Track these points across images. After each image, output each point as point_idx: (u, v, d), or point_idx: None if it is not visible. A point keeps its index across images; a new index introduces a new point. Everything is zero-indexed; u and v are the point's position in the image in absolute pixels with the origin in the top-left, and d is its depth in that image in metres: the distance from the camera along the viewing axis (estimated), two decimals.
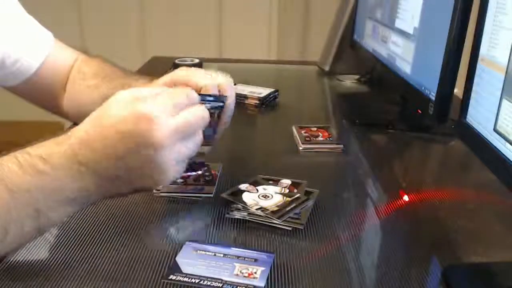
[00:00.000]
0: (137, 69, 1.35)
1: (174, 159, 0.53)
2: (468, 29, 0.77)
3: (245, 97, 1.15)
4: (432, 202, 0.75)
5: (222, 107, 0.64)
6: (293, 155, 0.89)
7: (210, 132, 0.63)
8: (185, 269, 0.53)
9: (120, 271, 0.54)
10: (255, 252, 0.57)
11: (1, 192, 0.49)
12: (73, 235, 0.60)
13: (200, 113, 0.56)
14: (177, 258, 0.55)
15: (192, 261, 0.55)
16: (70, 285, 0.51)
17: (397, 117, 1.09)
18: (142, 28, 2.50)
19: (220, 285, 0.51)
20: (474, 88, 0.64)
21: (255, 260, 0.55)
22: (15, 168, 0.50)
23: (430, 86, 0.86)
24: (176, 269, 0.53)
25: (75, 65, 0.84)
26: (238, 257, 0.56)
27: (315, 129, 0.97)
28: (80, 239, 0.59)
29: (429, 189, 0.80)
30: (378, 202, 0.76)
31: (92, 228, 0.62)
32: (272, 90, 1.19)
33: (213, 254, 0.56)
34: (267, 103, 1.16)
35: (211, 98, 0.63)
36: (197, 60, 1.39)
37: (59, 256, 0.56)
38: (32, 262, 0.55)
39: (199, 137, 0.57)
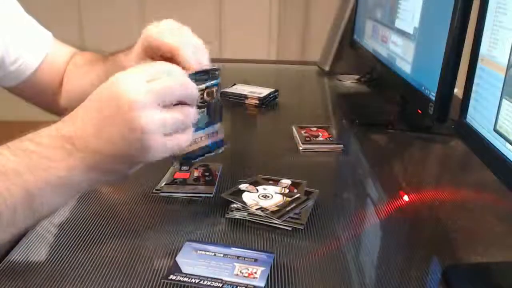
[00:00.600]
0: None
1: (156, 123, 0.50)
2: (468, 29, 0.77)
3: (245, 97, 1.15)
4: (432, 202, 0.75)
5: (218, 83, 0.60)
6: (293, 155, 0.89)
7: (214, 122, 0.62)
8: (185, 269, 0.53)
9: (120, 271, 0.54)
10: (255, 252, 0.57)
11: None
12: (73, 235, 0.60)
13: (179, 80, 0.54)
14: (177, 258, 0.55)
15: (192, 261, 0.55)
16: (70, 285, 0.51)
17: (397, 117, 1.09)
18: (142, 28, 2.50)
19: (220, 285, 0.51)
20: (474, 88, 0.64)
21: (255, 260, 0.55)
22: (4, 151, 0.50)
23: (430, 86, 0.86)
24: (176, 269, 0.53)
25: (71, 61, 0.84)
26: (238, 257, 0.56)
27: (315, 129, 0.97)
28: (80, 239, 0.59)
29: (429, 189, 0.80)
30: (378, 202, 0.76)
31: (92, 228, 0.62)
32: (272, 90, 1.20)
33: (213, 254, 0.56)
34: (267, 103, 1.16)
35: (204, 76, 0.59)
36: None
37: (59, 256, 0.56)
38: (32, 262, 0.55)
39: (188, 109, 0.54)
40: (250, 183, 0.71)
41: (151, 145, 0.51)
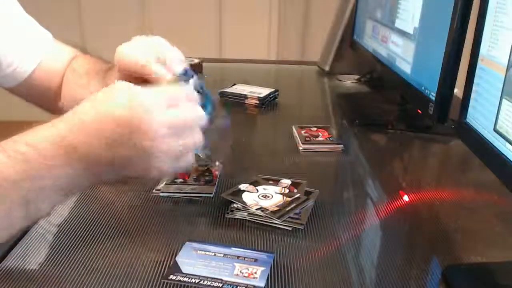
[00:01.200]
0: None
1: (165, 152, 0.52)
2: (468, 29, 0.77)
3: (245, 97, 1.15)
4: (432, 202, 0.75)
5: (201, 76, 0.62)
6: (293, 155, 0.89)
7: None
8: (185, 269, 0.53)
9: (120, 271, 0.54)
10: (255, 252, 0.57)
11: None
12: (72, 235, 0.60)
13: (197, 109, 0.56)
14: (177, 258, 0.55)
15: (192, 261, 0.55)
16: (70, 285, 0.51)
17: (397, 117, 1.09)
18: (142, 28, 2.50)
19: (220, 285, 0.51)
20: (474, 88, 0.64)
21: (255, 260, 0.55)
22: (0, 155, 0.49)
23: (430, 86, 0.86)
24: (176, 269, 0.53)
25: (71, 64, 0.84)
26: (238, 257, 0.56)
27: (315, 129, 0.97)
28: (80, 239, 0.59)
29: (429, 189, 0.80)
30: (378, 202, 0.76)
31: (92, 228, 0.62)
32: (272, 90, 1.19)
33: (213, 254, 0.56)
34: (267, 103, 1.16)
35: (188, 75, 0.60)
36: (197, 60, 1.39)
37: (59, 256, 0.56)
38: (32, 262, 0.55)
39: (197, 134, 0.56)
40: (250, 183, 0.71)
41: (156, 170, 0.53)
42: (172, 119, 0.53)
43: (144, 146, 0.51)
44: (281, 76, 1.62)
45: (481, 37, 0.63)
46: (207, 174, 0.75)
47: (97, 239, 0.60)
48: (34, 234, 0.60)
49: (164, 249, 0.58)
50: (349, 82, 1.41)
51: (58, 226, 0.61)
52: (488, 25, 0.61)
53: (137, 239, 0.60)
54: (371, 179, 0.85)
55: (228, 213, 0.65)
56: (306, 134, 0.94)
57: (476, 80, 0.64)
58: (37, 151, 0.49)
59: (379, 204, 0.75)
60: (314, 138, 0.93)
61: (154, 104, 0.52)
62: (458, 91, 0.78)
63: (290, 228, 0.62)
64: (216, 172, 0.76)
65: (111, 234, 0.61)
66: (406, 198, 0.76)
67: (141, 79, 0.60)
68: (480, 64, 0.63)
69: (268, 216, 0.63)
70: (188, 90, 0.57)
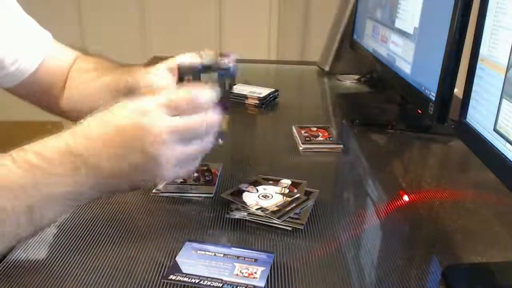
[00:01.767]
0: None
1: (174, 157, 0.53)
2: (468, 29, 0.77)
3: (245, 97, 1.15)
4: (432, 202, 0.75)
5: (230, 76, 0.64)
6: (293, 155, 0.89)
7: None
8: (185, 269, 0.53)
9: (120, 271, 0.54)
10: (255, 252, 0.57)
11: None
12: (72, 235, 0.60)
13: (208, 118, 0.55)
14: (177, 258, 0.55)
15: (192, 261, 0.55)
16: (70, 285, 0.51)
17: (397, 117, 1.09)
18: (142, 28, 2.50)
19: (220, 285, 0.51)
20: (474, 88, 0.64)
21: (255, 260, 0.55)
22: (8, 163, 0.49)
23: (430, 86, 0.86)
24: (176, 269, 0.53)
25: (75, 64, 0.84)
26: (238, 257, 0.56)
27: (315, 129, 0.97)
28: (80, 239, 0.59)
29: (429, 189, 0.80)
30: (378, 202, 0.76)
31: (92, 228, 0.62)
32: (272, 90, 1.20)
33: (213, 254, 0.56)
34: (267, 103, 1.16)
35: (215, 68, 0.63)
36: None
37: (59, 256, 0.56)
38: (32, 262, 0.55)
39: (205, 141, 0.56)
40: (250, 183, 0.71)
41: (163, 176, 0.54)
42: (174, 123, 0.53)
43: (147, 151, 0.51)
44: (281, 76, 1.62)
45: (481, 37, 0.63)
46: (207, 174, 0.75)
47: (97, 239, 0.60)
48: None
49: (164, 249, 0.58)
50: (349, 82, 1.41)
51: (58, 226, 0.61)
52: (488, 25, 0.61)
53: (137, 239, 0.60)
54: (371, 179, 0.85)
55: (228, 213, 0.65)
56: (306, 134, 0.94)
57: (476, 80, 0.64)
58: (45, 161, 0.50)
59: (379, 204, 0.75)
60: (314, 138, 0.93)
61: (154, 110, 0.52)
62: (458, 91, 0.78)
63: (290, 228, 0.62)
64: (216, 172, 0.76)
65: (111, 234, 0.61)
66: (406, 198, 0.76)
67: None
68: (480, 64, 0.63)
69: (268, 216, 0.63)
70: (195, 94, 0.55)
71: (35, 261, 0.55)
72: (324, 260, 0.58)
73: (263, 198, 0.68)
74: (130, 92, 0.73)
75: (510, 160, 0.54)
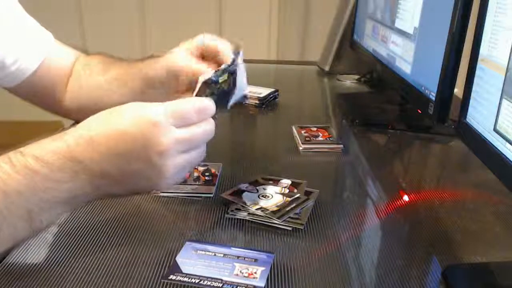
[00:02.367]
0: None
1: (175, 166, 0.53)
2: (468, 29, 0.77)
3: (245, 97, 1.15)
4: (432, 202, 0.75)
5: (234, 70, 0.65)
6: (293, 155, 0.89)
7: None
8: (185, 269, 0.53)
9: (120, 271, 0.54)
10: (255, 252, 0.57)
11: None
12: (72, 235, 0.60)
13: (208, 128, 0.56)
14: (177, 258, 0.55)
15: (192, 261, 0.55)
16: (70, 285, 0.51)
17: (397, 117, 1.09)
18: (142, 28, 2.50)
19: (220, 285, 0.51)
20: (474, 88, 0.64)
21: (255, 260, 0.55)
22: (7, 167, 0.49)
23: (430, 86, 0.86)
24: (176, 269, 0.53)
25: (78, 62, 0.84)
26: (238, 257, 0.56)
27: (315, 129, 0.97)
28: (80, 239, 0.59)
29: (429, 189, 0.80)
30: (378, 202, 0.76)
31: (92, 228, 0.62)
32: (272, 90, 1.20)
33: (213, 254, 0.56)
34: (267, 103, 1.16)
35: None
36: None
37: (59, 256, 0.56)
38: (32, 262, 0.55)
39: (202, 150, 0.57)
40: (250, 183, 0.71)
41: (163, 185, 0.55)
42: (181, 135, 0.53)
43: (153, 161, 0.52)
44: (281, 76, 1.62)
45: (481, 37, 0.63)
46: (207, 174, 0.75)
47: (97, 239, 0.60)
48: None
49: (164, 249, 0.58)
50: (349, 82, 1.41)
51: (58, 226, 0.61)
52: (488, 25, 0.61)
53: (137, 239, 0.60)
54: (371, 179, 0.85)
55: (228, 213, 0.65)
56: (306, 134, 0.94)
57: (476, 80, 0.64)
58: (45, 165, 0.49)
59: (379, 204, 0.75)
60: (314, 138, 0.93)
61: (164, 121, 0.52)
62: (458, 91, 0.77)
63: (290, 228, 0.62)
64: (216, 172, 0.76)
65: (111, 234, 0.61)
66: (406, 198, 0.76)
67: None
68: (480, 64, 0.63)
69: (268, 216, 0.63)
70: (202, 106, 0.56)
71: (35, 261, 0.55)
72: (324, 260, 0.58)
73: (263, 198, 0.68)
74: (150, 84, 0.74)
75: (510, 160, 0.54)
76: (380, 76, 1.32)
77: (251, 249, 0.58)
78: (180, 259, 0.55)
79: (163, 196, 0.69)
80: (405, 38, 1.00)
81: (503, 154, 0.56)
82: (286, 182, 0.73)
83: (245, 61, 0.68)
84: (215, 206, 0.67)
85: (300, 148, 0.90)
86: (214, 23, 2.49)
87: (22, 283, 0.51)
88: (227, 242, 0.60)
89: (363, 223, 0.68)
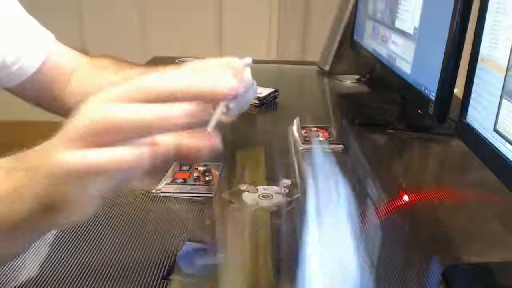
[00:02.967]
0: None
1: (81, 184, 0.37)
2: (468, 29, 0.77)
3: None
4: (432, 202, 0.75)
5: None
6: (293, 155, 0.89)
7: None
8: (185, 269, 0.53)
9: (120, 271, 0.54)
10: None
11: None
12: (72, 235, 0.60)
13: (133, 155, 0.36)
14: (177, 258, 0.55)
15: (192, 261, 0.55)
16: (70, 285, 0.51)
17: (397, 117, 1.09)
18: (142, 28, 2.50)
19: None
20: (474, 88, 0.64)
21: None
22: None
23: (430, 86, 0.86)
24: (176, 269, 0.53)
25: (84, 63, 0.84)
26: None
27: (315, 129, 0.97)
28: (80, 239, 0.59)
29: (429, 189, 0.80)
30: (378, 202, 0.76)
31: (92, 228, 0.62)
32: (272, 90, 1.19)
33: (213, 254, 0.56)
34: (267, 103, 1.16)
35: None
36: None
37: (59, 256, 0.56)
38: (32, 262, 0.55)
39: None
40: (250, 183, 0.71)
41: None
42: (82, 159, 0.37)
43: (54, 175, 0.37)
44: (281, 76, 1.62)
45: (481, 37, 0.63)
46: (207, 174, 0.75)
47: (97, 239, 0.60)
48: None
49: (164, 249, 0.58)
50: (349, 82, 1.41)
51: None
52: (488, 25, 0.61)
53: (137, 239, 0.60)
54: (371, 179, 0.85)
55: (227, 213, 0.65)
56: (306, 134, 0.94)
57: (476, 80, 0.64)
58: None
59: (379, 204, 0.75)
60: (314, 138, 0.93)
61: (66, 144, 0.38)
62: (458, 91, 0.77)
63: None
64: (216, 172, 0.76)
65: (111, 234, 0.61)
66: (406, 198, 0.76)
67: None
68: (480, 64, 0.63)
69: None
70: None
71: (35, 261, 0.55)
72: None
73: (263, 198, 0.68)
74: None
75: (510, 160, 0.54)
76: (380, 76, 1.32)
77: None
78: (180, 259, 0.55)
79: (163, 196, 0.69)
80: (405, 38, 1.00)
81: (503, 154, 0.56)
82: (286, 182, 0.73)
83: None
84: (215, 206, 0.67)
85: (300, 148, 0.90)
86: (214, 23, 2.49)
87: (22, 283, 0.51)
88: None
89: (363, 223, 0.68)
